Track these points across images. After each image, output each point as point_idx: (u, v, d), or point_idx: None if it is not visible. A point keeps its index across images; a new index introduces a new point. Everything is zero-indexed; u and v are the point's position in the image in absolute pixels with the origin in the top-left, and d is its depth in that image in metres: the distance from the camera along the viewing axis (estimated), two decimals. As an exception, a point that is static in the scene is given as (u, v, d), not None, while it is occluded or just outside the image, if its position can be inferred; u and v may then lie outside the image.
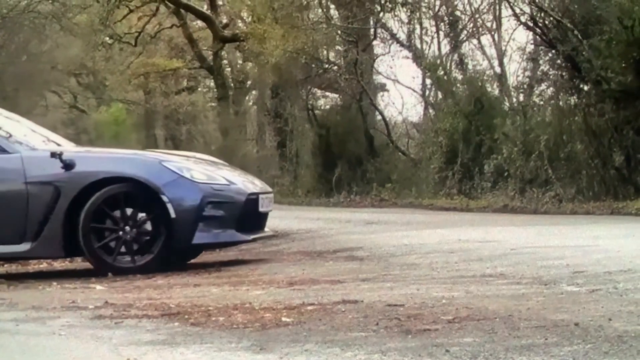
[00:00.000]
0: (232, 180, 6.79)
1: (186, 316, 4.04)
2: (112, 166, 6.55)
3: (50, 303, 4.72)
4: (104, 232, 6.44)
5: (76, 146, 7.60)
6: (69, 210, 6.34)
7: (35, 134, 7.11)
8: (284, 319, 3.84)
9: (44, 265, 7.66)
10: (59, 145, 7.03)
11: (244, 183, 6.90)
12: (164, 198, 6.37)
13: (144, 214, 6.45)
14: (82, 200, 6.34)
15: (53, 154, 6.47)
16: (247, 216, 6.74)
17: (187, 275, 6.02)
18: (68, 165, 6.41)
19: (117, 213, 6.43)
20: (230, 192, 6.67)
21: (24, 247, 6.42)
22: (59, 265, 7.60)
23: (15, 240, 6.40)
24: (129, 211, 6.45)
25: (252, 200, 6.79)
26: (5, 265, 7.72)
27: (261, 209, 6.91)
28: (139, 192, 6.40)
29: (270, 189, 7.36)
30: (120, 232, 6.41)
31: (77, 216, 6.33)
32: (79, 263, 7.77)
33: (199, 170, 6.67)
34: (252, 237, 6.87)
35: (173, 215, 6.37)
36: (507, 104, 18.66)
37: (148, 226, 6.48)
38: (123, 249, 6.45)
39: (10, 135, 6.66)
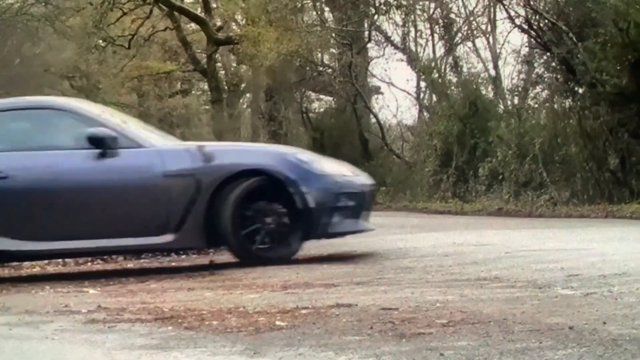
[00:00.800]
0: (354, 172, 7.11)
1: (180, 320, 4.03)
2: (250, 159, 6.69)
3: (43, 307, 4.70)
4: (247, 223, 6.50)
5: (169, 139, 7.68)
6: (209, 202, 6.43)
7: (149, 131, 7.24)
8: (278, 322, 3.83)
9: (36, 269, 7.64)
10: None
11: (360, 175, 7.24)
12: (303, 189, 6.53)
13: (279, 205, 6.56)
14: (222, 192, 6.44)
15: (198, 147, 6.66)
16: (367, 206, 7.04)
17: (180, 279, 6.01)
18: (208, 158, 6.54)
19: (260, 205, 6.52)
20: (357, 183, 6.97)
21: (166, 238, 6.49)
22: (51, 268, 7.57)
23: (157, 232, 6.47)
24: (265, 203, 6.56)
25: (372, 191, 7.19)
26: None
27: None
28: (277, 184, 6.53)
29: (372, 181, 7.65)
30: (264, 224, 6.51)
31: (217, 207, 6.43)
32: (72, 267, 7.75)
33: (326, 163, 6.93)
34: (372, 226, 7.14)
35: (312, 205, 6.54)
36: (502, 107, 18.70)
37: (286, 218, 6.57)
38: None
39: (140, 130, 6.86)
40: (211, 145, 6.89)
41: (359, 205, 6.90)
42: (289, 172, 6.58)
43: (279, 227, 6.55)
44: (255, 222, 6.51)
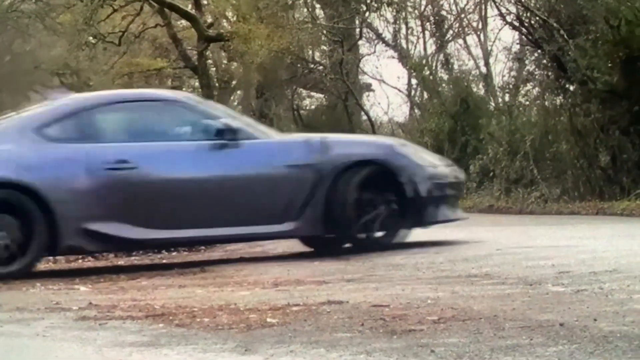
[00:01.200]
0: (447, 163, 7.55)
1: (171, 317, 4.03)
2: (363, 150, 7.09)
3: (34, 304, 4.70)
4: (362, 211, 6.79)
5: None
6: (327, 191, 6.74)
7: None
8: (269, 319, 3.83)
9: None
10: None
11: (452, 165, 7.68)
12: (415, 178, 6.92)
13: (391, 194, 6.88)
14: (339, 181, 6.75)
15: (316, 139, 7.05)
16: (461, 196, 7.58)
17: (171, 277, 6.00)
18: (326, 149, 6.86)
19: (373, 194, 6.83)
20: (455, 173, 7.42)
21: (288, 226, 6.74)
22: (42, 266, 7.54)
23: (279, 220, 6.73)
24: (377, 192, 6.85)
25: (465, 182, 7.78)
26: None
27: None
28: (388, 173, 6.88)
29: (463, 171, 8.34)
30: (377, 212, 6.84)
31: (335, 196, 6.72)
32: (62, 264, 7.73)
33: (427, 154, 7.45)
34: (467, 215, 7.54)
35: (424, 194, 6.90)
36: (493, 104, 18.72)
37: (396, 206, 6.88)
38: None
39: (256, 123, 7.31)
40: (327, 137, 7.22)
41: (457, 194, 7.38)
42: (400, 162, 6.93)
43: (390, 215, 6.85)
44: (370, 210, 6.81)
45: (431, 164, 7.18)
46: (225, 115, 6.92)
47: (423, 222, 7.03)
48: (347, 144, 7.25)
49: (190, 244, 7.24)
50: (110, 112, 6.84)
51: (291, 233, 6.88)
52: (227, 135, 6.69)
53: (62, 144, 6.48)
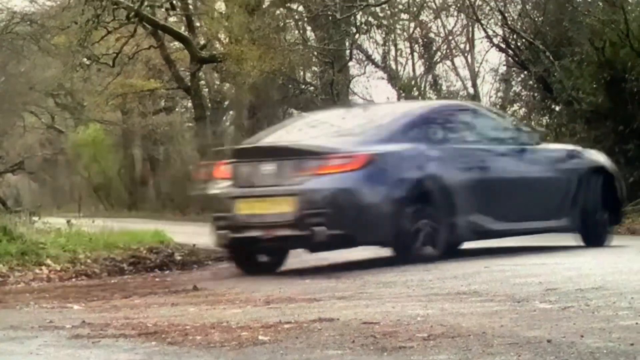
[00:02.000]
0: None
1: (163, 335, 4.05)
2: (594, 157, 8.52)
3: (28, 323, 4.71)
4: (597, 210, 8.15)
5: None
6: (584, 192, 8.07)
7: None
8: (260, 337, 3.86)
9: (21, 285, 7.62)
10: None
11: None
12: (620, 183, 8.45)
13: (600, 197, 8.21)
14: (589, 183, 8.12)
15: (570, 148, 8.55)
16: None
17: (164, 295, 6.02)
18: (580, 156, 8.34)
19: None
20: None
21: (563, 222, 8.00)
22: (36, 284, 7.56)
23: (558, 216, 7.96)
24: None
25: None
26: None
27: None
28: (609, 177, 8.31)
29: None
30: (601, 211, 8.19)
31: (587, 196, 8.08)
32: (56, 282, 7.73)
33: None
34: None
35: (623, 196, 8.50)
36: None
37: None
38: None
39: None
40: (574, 147, 8.70)
41: None
42: (612, 168, 8.45)
43: (604, 214, 8.18)
44: (597, 209, 8.13)
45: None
46: (510, 122, 8.43)
47: (618, 222, 8.51)
48: (584, 153, 8.52)
49: (517, 234, 8.00)
50: (450, 117, 7.82)
51: (564, 228, 8.04)
52: (530, 140, 8.03)
53: (439, 145, 7.43)
